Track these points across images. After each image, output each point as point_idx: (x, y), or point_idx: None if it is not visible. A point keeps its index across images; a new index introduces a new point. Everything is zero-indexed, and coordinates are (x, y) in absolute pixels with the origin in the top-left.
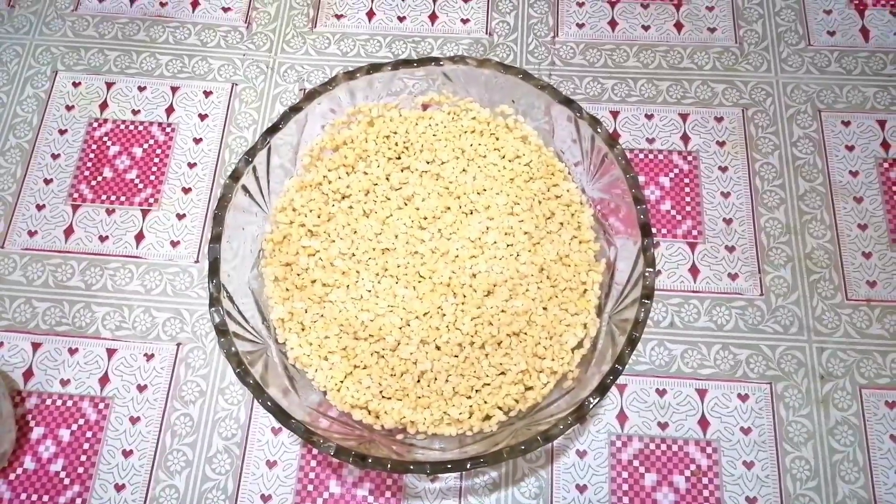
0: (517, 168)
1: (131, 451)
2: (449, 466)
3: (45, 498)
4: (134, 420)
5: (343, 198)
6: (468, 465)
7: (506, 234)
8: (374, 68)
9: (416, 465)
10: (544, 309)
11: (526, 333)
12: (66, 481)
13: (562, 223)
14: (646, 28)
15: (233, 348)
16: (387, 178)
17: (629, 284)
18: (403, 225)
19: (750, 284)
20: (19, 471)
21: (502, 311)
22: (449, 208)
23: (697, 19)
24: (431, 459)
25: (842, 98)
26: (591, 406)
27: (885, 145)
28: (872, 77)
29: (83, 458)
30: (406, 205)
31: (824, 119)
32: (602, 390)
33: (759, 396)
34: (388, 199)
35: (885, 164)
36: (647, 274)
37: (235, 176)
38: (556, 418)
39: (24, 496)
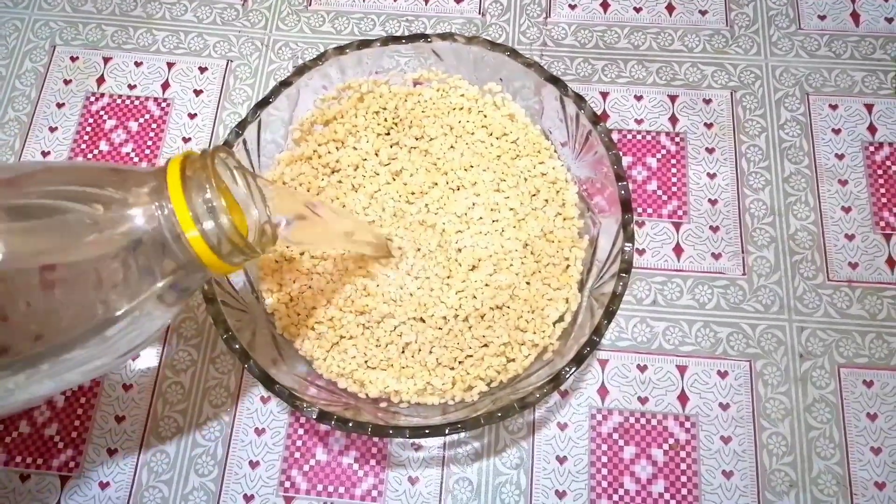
0: (504, 145)
1: (124, 417)
2: (427, 431)
3: (40, 461)
4: (127, 387)
5: (333, 172)
6: (446, 430)
7: (491, 210)
8: (364, 44)
9: (395, 429)
10: (527, 283)
11: (509, 307)
12: (60, 445)
13: (547, 200)
14: (637, 10)
15: (221, 315)
16: (376, 154)
17: (609, 260)
18: (391, 199)
19: (733, 264)
20: (14, 434)
21: (486, 285)
22: (436, 184)
23: (689, 2)
24: (411, 424)
25: (830, 82)
26: (568, 376)
27: (872, 129)
28: (861, 61)
29: (77, 422)
30: (394, 180)
31: (812, 102)
32: (579, 361)
33: (739, 373)
34: (377, 173)
35: (871, 148)
36: (626, 249)
37: None
38: (533, 387)
39: (18, 459)
